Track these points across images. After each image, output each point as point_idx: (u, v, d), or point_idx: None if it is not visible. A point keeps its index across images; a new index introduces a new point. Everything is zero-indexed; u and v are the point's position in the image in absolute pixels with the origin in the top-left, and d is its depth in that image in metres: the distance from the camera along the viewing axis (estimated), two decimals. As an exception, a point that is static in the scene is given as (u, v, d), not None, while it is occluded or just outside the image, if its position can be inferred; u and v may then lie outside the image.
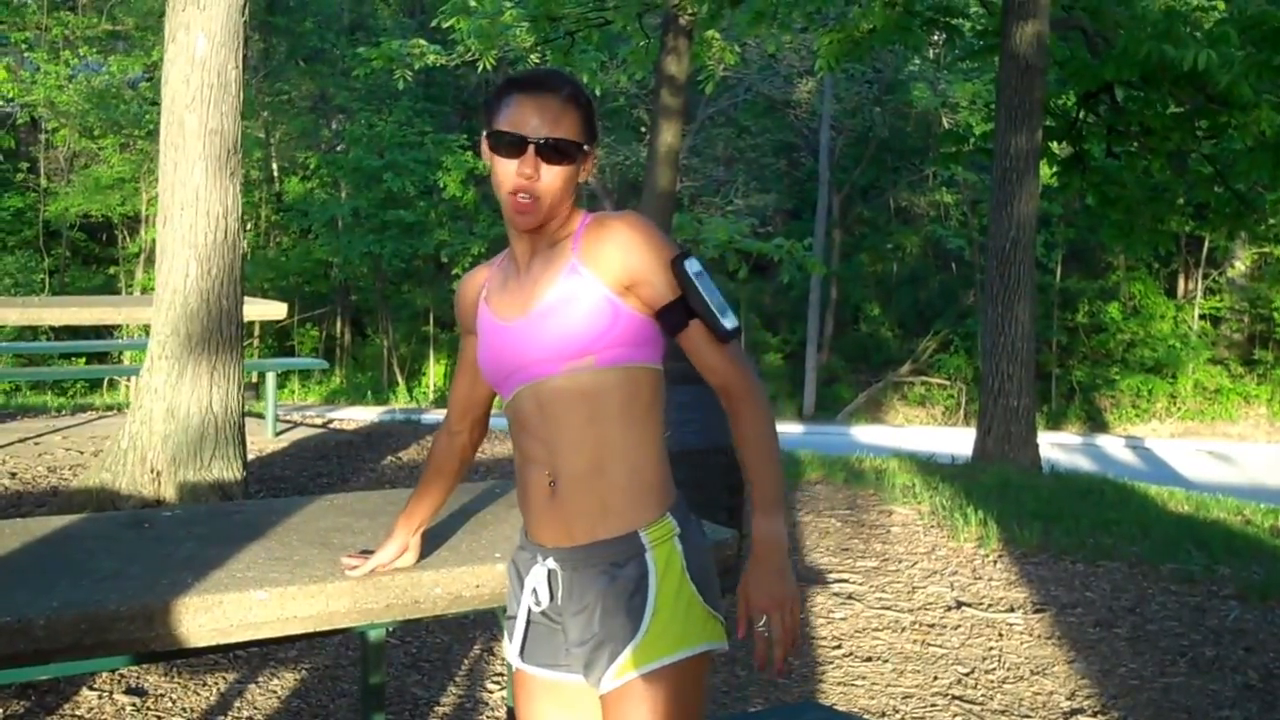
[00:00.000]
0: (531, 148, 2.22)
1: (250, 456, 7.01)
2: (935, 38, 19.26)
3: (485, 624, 4.91)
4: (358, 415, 13.39)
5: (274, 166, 28.16)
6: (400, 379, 27.38)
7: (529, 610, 2.33)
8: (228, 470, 6.20)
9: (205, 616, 2.51)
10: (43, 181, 25.48)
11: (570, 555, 2.26)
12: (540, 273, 2.30)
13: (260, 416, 9.12)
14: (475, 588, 2.83)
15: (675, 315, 2.23)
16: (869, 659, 4.91)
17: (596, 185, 25.89)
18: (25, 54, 23.39)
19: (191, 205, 6.15)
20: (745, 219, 23.26)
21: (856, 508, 7.66)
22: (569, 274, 2.25)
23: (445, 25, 12.88)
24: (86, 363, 16.43)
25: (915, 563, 6.37)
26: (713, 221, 20.49)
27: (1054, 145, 14.12)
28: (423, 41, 14.43)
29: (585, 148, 2.27)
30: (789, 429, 20.20)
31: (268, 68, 26.81)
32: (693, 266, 2.22)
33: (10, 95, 21.48)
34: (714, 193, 27.51)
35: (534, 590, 2.31)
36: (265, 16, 25.60)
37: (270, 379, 8.89)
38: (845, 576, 6.06)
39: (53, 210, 24.64)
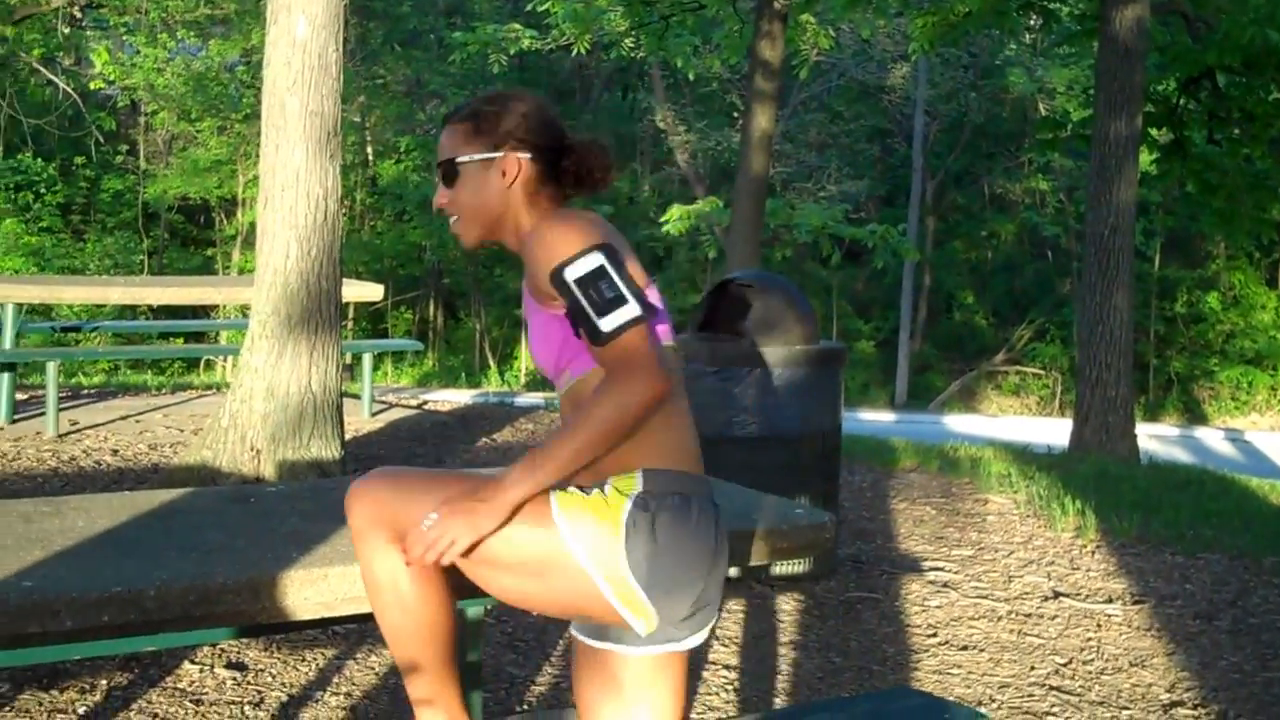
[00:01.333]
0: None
1: (347, 436, 7.09)
2: (1032, 22, 19.00)
3: (579, 605, 4.93)
4: (451, 397, 13.50)
5: (369, 150, 28.42)
6: (492, 362, 27.56)
7: None
8: (326, 449, 6.28)
9: (310, 590, 2.53)
10: (141, 164, 25.91)
11: None
12: None
13: (356, 397, 9.22)
14: (574, 567, 2.83)
15: (571, 324, 2.25)
16: (965, 648, 4.86)
17: (689, 171, 25.87)
18: (125, 37, 23.73)
19: (292, 186, 6.23)
20: (838, 205, 23.13)
21: (951, 496, 7.59)
22: (526, 295, 2.40)
23: (540, 9, 12.91)
24: (184, 342, 16.71)
25: (1011, 552, 6.31)
26: (805, 207, 20.40)
27: (1154, 131, 13.88)
28: (518, 25, 14.49)
29: (462, 160, 2.40)
30: (881, 417, 20.07)
31: (364, 51, 27.05)
32: (577, 271, 2.20)
33: (112, 78, 21.82)
34: (806, 178, 27.36)
35: None
36: (363, 0, 25.83)
37: (366, 360, 8.99)
38: (940, 565, 6.01)
39: (151, 192, 25.05)
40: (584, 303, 2.19)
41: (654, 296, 2.32)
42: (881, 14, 13.74)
